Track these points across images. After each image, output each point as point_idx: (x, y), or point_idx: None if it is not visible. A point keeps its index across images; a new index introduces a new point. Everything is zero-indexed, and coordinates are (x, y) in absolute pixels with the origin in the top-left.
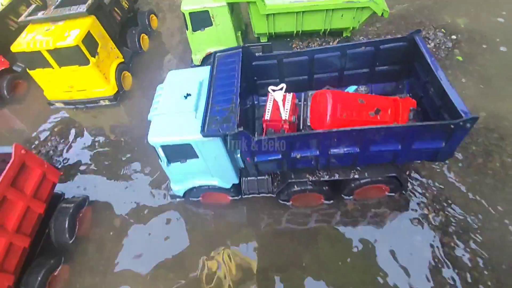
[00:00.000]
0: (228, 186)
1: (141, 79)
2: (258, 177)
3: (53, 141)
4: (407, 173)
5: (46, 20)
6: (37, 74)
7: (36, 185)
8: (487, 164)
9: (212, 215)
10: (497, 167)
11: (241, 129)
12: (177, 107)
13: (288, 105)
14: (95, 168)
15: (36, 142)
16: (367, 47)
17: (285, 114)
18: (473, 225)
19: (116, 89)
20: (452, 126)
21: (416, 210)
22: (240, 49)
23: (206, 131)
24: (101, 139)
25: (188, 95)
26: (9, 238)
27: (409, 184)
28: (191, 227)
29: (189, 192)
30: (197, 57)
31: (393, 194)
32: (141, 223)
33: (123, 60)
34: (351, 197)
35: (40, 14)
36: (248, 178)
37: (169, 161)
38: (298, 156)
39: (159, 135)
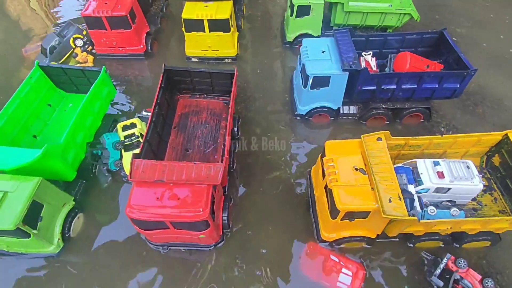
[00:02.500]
0: (335, 108)
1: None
2: (350, 106)
3: None
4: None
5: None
6: (190, 35)
7: None
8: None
9: None
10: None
11: (362, 68)
12: (319, 56)
13: (373, 62)
14: None
15: None
16: (417, 35)
17: (374, 66)
18: None
19: (237, 52)
20: (465, 74)
21: None
22: (347, 29)
23: (344, 68)
24: None
25: (323, 51)
26: None
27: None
28: None
29: (307, 113)
30: (291, 36)
31: (424, 121)
32: None
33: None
34: (401, 121)
35: None
36: (345, 106)
37: (310, 88)
38: (385, 88)
39: (314, 70)
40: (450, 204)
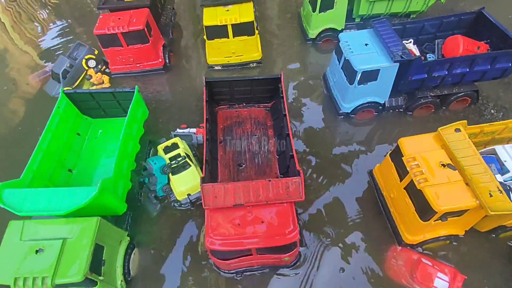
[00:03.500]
0: (382, 101)
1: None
2: (396, 98)
3: None
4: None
5: (218, 4)
6: (212, 43)
7: None
8: None
9: None
10: None
11: (415, 57)
12: (363, 50)
13: (416, 50)
14: None
15: None
16: (455, 17)
17: (417, 53)
18: None
19: (261, 55)
20: None
21: None
22: (385, 19)
23: (395, 59)
24: None
25: (366, 44)
26: None
27: None
28: None
29: (352, 111)
30: (314, 32)
31: (471, 105)
32: None
33: None
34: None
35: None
36: (391, 99)
37: (358, 84)
38: (436, 75)
39: (362, 65)
40: None
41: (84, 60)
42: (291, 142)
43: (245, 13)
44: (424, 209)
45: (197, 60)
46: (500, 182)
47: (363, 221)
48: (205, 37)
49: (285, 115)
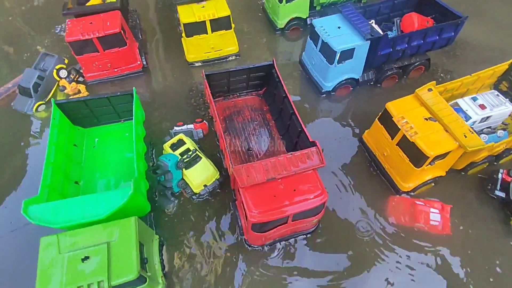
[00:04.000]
0: (357, 77)
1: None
2: (367, 73)
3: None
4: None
5: (192, 1)
6: (191, 40)
7: None
8: None
9: None
10: None
11: (382, 34)
12: (338, 32)
13: (378, 28)
14: None
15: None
16: None
17: (379, 31)
18: None
19: (238, 48)
20: (459, 22)
21: None
22: (350, 4)
23: (366, 37)
24: None
25: (339, 27)
26: None
27: None
28: None
29: (333, 89)
30: (282, 22)
31: (425, 72)
32: None
33: None
34: (407, 77)
35: None
36: (363, 74)
37: (338, 63)
38: (398, 49)
39: (340, 45)
40: (490, 129)
41: (55, 71)
42: (298, 119)
43: (221, 8)
44: (417, 158)
45: (173, 58)
46: None
47: (359, 183)
48: (183, 34)
49: (285, 96)
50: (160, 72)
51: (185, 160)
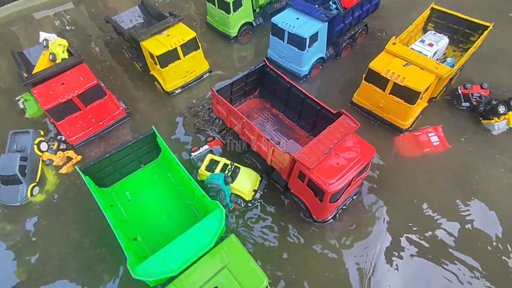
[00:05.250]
0: (324, 55)
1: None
2: (327, 51)
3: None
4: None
5: (153, 34)
6: (167, 70)
7: None
8: None
9: None
10: None
11: (330, 16)
12: (299, 23)
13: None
14: None
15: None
16: None
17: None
18: None
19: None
20: None
21: None
22: None
23: (324, 19)
24: None
25: (297, 18)
26: None
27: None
28: None
29: (308, 72)
30: (234, 30)
31: (366, 36)
32: None
33: None
34: (356, 44)
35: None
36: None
37: (308, 48)
38: (347, 22)
39: (307, 32)
40: (440, 60)
41: (35, 147)
42: (314, 100)
43: (185, 32)
44: (411, 97)
45: (150, 93)
46: None
47: (367, 137)
48: (157, 67)
49: (291, 85)
50: (144, 112)
51: (230, 174)
